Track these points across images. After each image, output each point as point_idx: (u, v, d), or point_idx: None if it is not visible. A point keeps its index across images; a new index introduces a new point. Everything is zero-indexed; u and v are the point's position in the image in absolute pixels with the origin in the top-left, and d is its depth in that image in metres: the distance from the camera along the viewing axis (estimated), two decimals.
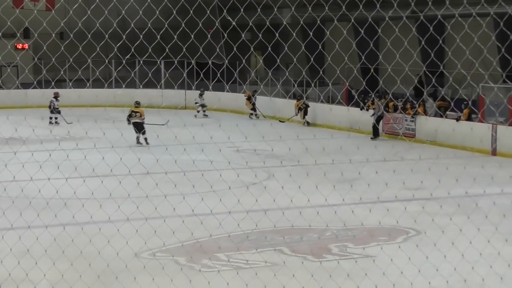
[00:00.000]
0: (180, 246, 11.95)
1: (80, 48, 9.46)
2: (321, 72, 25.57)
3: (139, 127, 24.96)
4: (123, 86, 32.68)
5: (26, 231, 11.31)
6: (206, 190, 13.90)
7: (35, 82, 33.59)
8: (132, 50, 9.64)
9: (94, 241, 10.70)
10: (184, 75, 33.42)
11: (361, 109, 28.77)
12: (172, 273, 10.22)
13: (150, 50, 9.02)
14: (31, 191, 12.29)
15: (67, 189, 11.52)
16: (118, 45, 9.92)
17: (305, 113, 30.79)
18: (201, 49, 9.21)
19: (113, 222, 11.38)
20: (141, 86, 33.49)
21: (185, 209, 12.60)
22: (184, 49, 9.54)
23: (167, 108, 29.62)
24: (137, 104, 25.60)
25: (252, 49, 10.93)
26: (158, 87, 34.11)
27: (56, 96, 30.91)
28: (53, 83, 30.42)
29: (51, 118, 30.61)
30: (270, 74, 31.18)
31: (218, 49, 10.12)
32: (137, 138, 24.86)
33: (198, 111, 33.38)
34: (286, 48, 8.63)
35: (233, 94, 34.40)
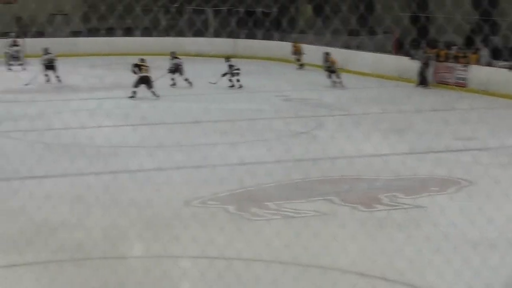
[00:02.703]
0: (229, 195, 11.98)
1: None
2: (370, 21, 25.16)
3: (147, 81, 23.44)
4: (172, 34, 32.61)
5: (78, 178, 11.43)
6: (255, 139, 13.88)
7: (85, 31, 33.82)
8: None
9: (144, 189, 10.77)
10: (233, 23, 33.23)
11: (411, 58, 28.39)
12: (222, 222, 10.26)
13: None
14: (83, 139, 12.40)
15: (117, 137, 11.61)
16: None
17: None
18: None
19: (164, 170, 11.43)
20: (190, 35, 33.41)
21: (234, 158, 12.61)
22: None
23: (215, 57, 29.45)
24: (143, 60, 24.63)
25: None
26: (207, 35, 34.02)
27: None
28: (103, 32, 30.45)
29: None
30: (320, 22, 30.82)
31: None
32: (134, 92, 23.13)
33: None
34: None
35: (282, 43, 34.13)
